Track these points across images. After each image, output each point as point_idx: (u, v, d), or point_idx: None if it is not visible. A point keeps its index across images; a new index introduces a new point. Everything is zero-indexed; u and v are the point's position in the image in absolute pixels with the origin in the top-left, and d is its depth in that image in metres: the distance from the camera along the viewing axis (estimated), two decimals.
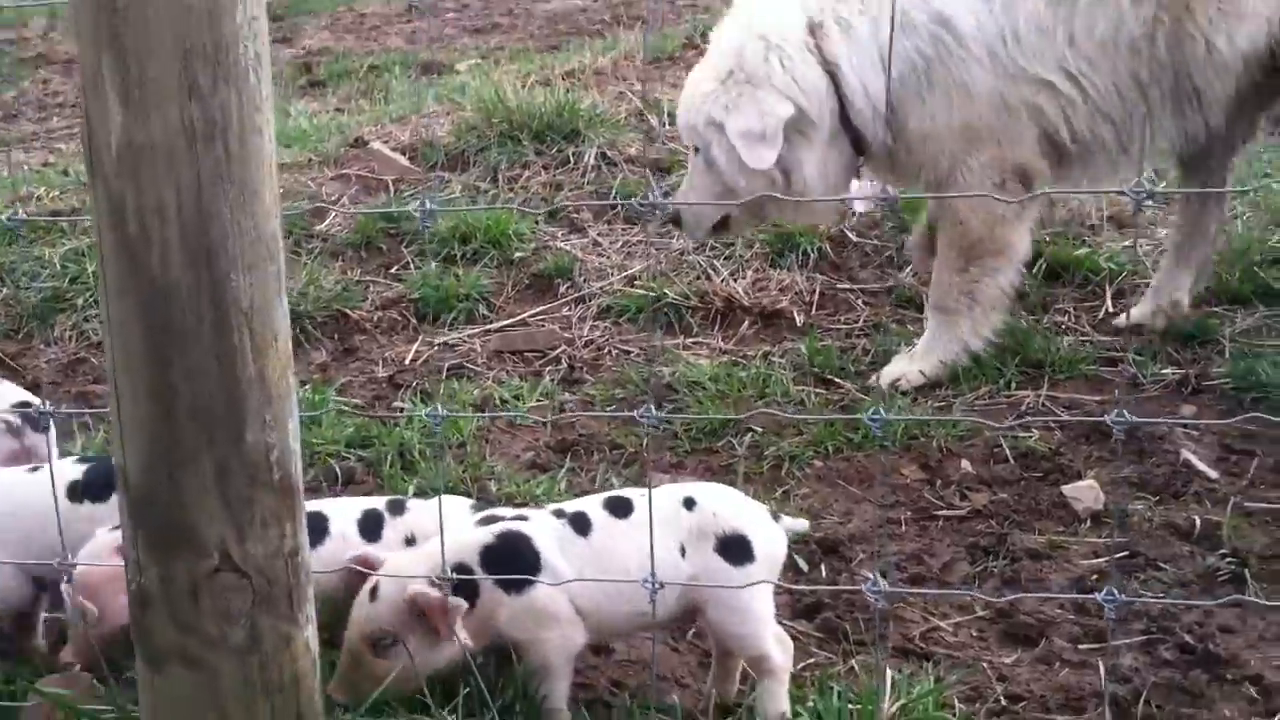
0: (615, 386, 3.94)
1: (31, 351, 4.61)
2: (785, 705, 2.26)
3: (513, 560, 2.25)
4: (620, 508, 2.34)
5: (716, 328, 4.32)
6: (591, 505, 2.37)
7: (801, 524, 2.49)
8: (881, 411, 2.02)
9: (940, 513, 3.12)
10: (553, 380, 4.02)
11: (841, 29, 3.61)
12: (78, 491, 2.65)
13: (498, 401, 3.86)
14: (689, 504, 2.31)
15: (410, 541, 2.53)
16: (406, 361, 4.24)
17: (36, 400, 3.19)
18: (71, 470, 2.71)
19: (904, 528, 3.06)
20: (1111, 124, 3.65)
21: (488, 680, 2.17)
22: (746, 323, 4.32)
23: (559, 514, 2.36)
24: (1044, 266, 4.45)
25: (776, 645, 2.31)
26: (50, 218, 5.60)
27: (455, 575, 2.21)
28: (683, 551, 2.28)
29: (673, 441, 3.55)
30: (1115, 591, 1.87)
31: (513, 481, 3.28)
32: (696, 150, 3.78)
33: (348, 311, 4.54)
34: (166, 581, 1.86)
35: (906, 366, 3.81)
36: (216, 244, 1.78)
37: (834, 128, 3.66)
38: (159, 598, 1.87)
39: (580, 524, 2.32)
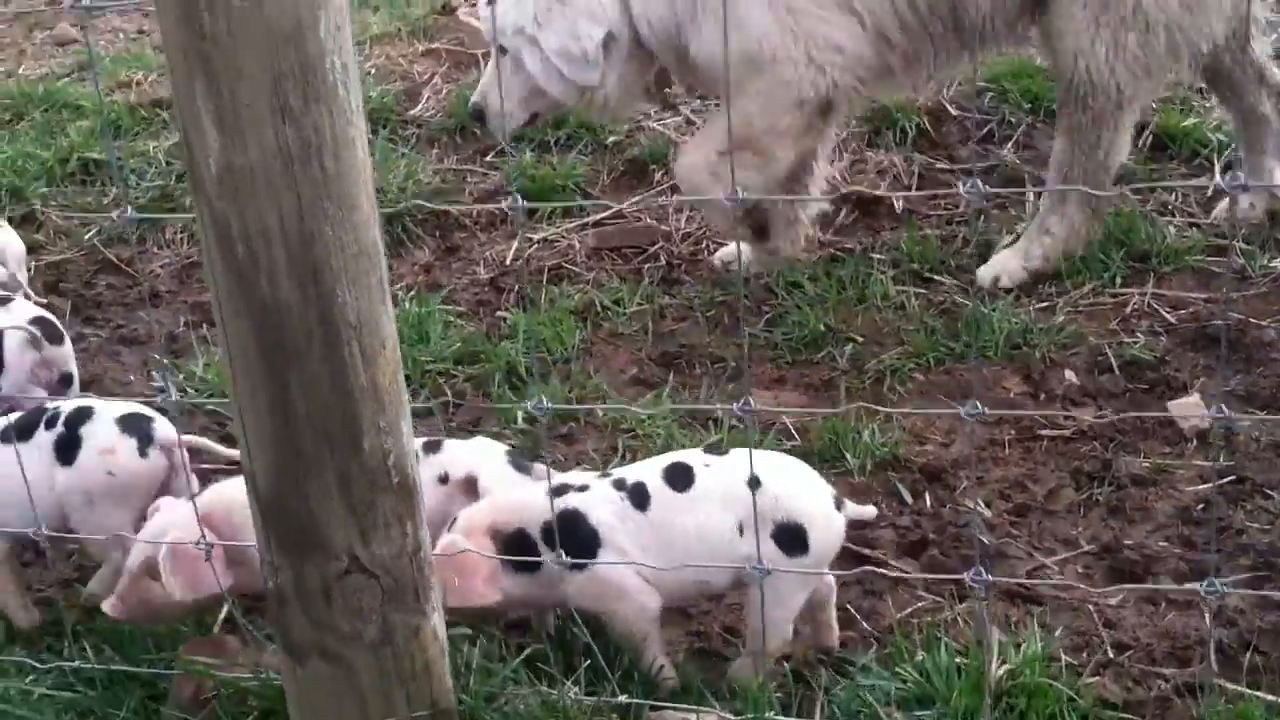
0: (714, 288, 3.93)
1: (145, 255, 4.72)
2: (758, 678, 2.29)
3: (571, 538, 2.26)
4: (681, 478, 2.35)
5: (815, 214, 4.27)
6: (651, 475, 2.37)
7: (868, 511, 2.47)
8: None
9: (1044, 432, 3.11)
10: (651, 281, 4.03)
11: None
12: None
13: (599, 308, 3.89)
14: (754, 484, 2.22)
15: (444, 480, 2.57)
16: (507, 261, 4.27)
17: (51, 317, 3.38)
18: None
19: (1007, 450, 3.06)
20: (893, 49, 3.67)
21: (604, 650, 2.25)
22: (844, 211, 4.26)
23: (619, 485, 2.36)
24: (1149, 138, 4.31)
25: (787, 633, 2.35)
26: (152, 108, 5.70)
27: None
28: (740, 531, 2.29)
29: (773, 353, 3.56)
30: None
31: (618, 406, 3.32)
32: (504, 50, 3.81)
33: (447, 207, 4.57)
34: (300, 582, 1.95)
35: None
36: (321, 262, 1.81)
37: (630, 47, 3.79)
38: (294, 597, 1.96)
39: (639, 497, 2.34)
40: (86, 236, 4.78)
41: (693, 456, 2.42)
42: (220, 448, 2.90)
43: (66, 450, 2.71)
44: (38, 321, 3.32)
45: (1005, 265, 3.76)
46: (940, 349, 3.42)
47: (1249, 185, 2.15)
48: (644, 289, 3.96)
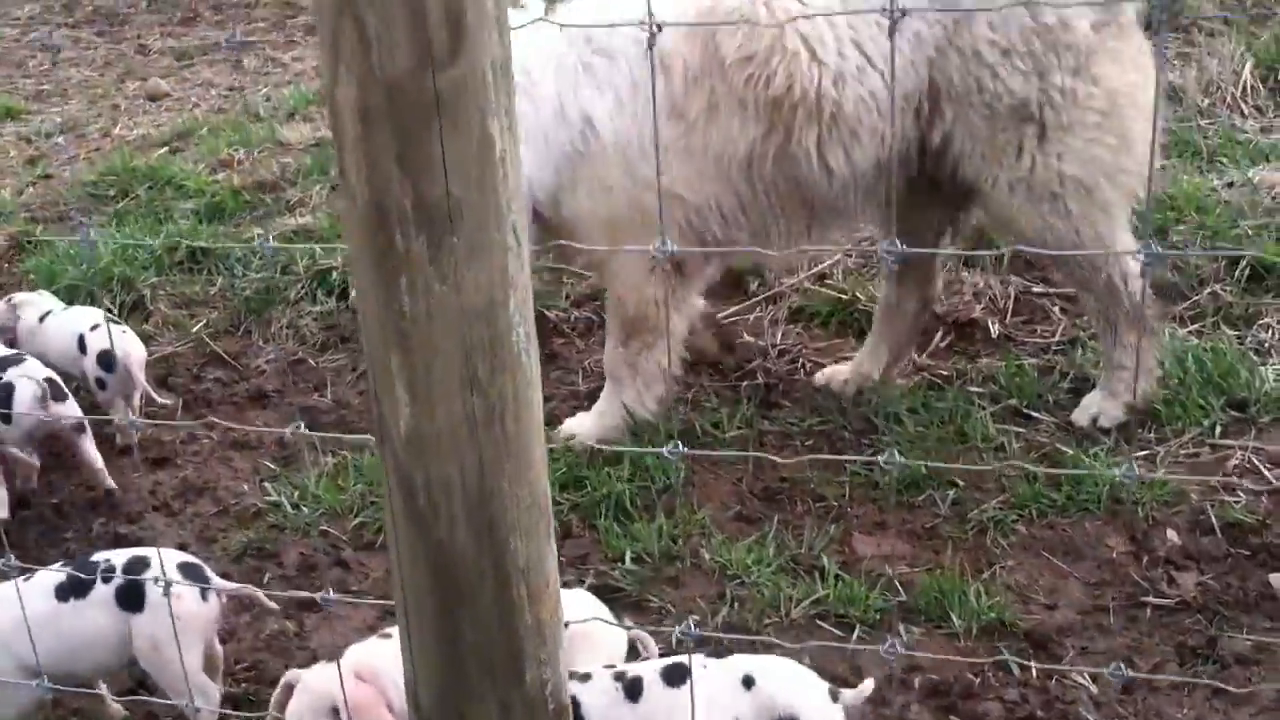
0: (812, 414, 4.02)
1: (251, 350, 4.87)
2: None
3: None
4: (678, 677, 2.45)
5: None
6: (650, 671, 2.49)
7: (866, 688, 2.49)
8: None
9: (1148, 599, 3.17)
10: (750, 401, 4.12)
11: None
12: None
13: (699, 432, 3.98)
14: (748, 683, 2.37)
15: None
16: None
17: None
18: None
19: (1111, 618, 3.13)
20: (741, 227, 3.81)
21: None
22: (940, 333, 4.34)
23: (618, 677, 2.49)
24: (1246, 270, 4.35)
25: None
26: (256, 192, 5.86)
27: None
28: None
29: (874, 493, 3.64)
30: None
31: (724, 548, 3.42)
32: None
33: (545, 311, 4.68)
34: None
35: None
36: (497, 515, 1.92)
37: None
38: None
39: (633, 690, 2.46)
40: (195, 329, 4.94)
41: (696, 659, 2.50)
42: (268, 601, 3.07)
43: (131, 599, 2.93)
44: (48, 380, 3.90)
45: (1100, 405, 3.82)
46: (1042, 501, 3.49)
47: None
48: (742, 412, 4.06)
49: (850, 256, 4.62)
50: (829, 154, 3.66)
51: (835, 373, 4.16)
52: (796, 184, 3.74)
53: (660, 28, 2.19)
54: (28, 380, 3.89)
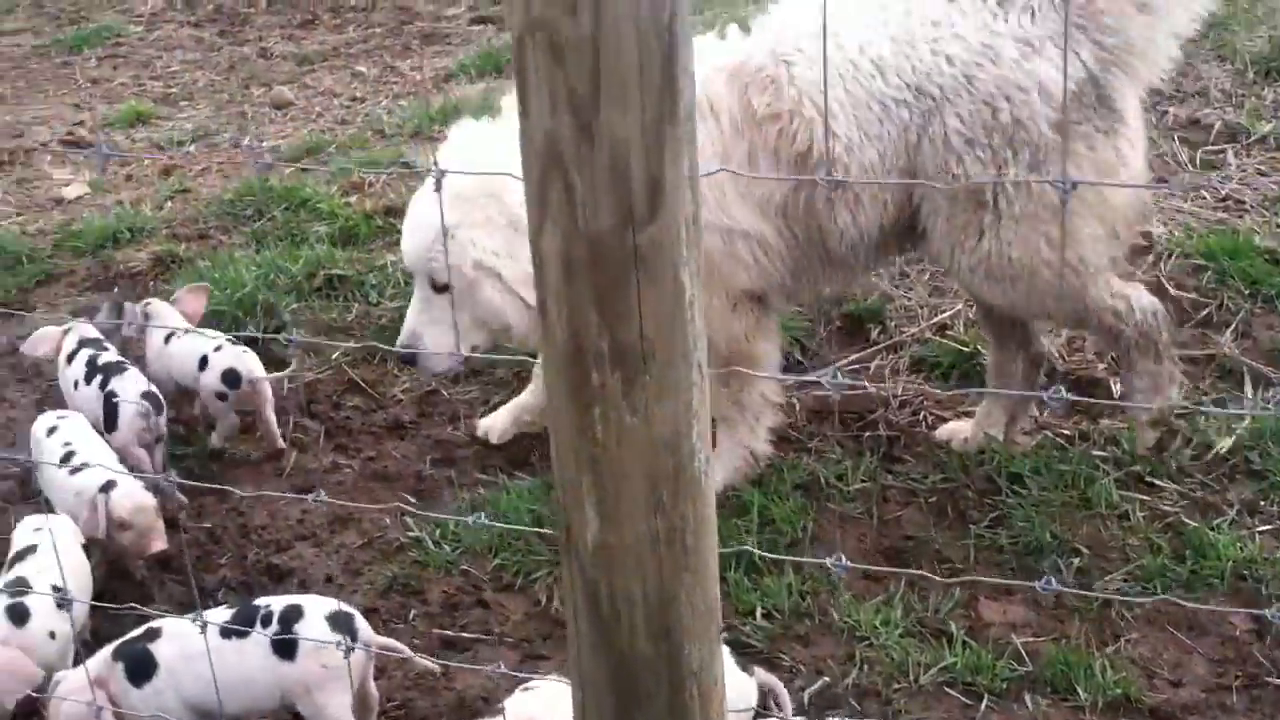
0: (936, 470, 4.11)
1: (388, 379, 5.07)
2: None
3: None
4: None
5: None
6: None
7: None
8: None
9: (1271, 679, 3.23)
10: (873, 454, 4.22)
11: None
12: None
13: (823, 484, 4.10)
14: None
15: None
16: None
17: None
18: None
19: (1235, 697, 3.20)
20: (787, 266, 4.03)
21: None
22: (1062, 390, 4.38)
23: None
24: None
25: None
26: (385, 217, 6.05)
27: None
28: None
29: (998, 557, 3.73)
30: None
31: (852, 607, 3.53)
32: (438, 287, 3.95)
33: None
34: None
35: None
36: (674, 624, 2.06)
37: None
38: None
39: None
40: (334, 356, 5.14)
41: None
42: (410, 651, 3.28)
43: (284, 647, 3.13)
44: (147, 394, 4.36)
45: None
46: (1167, 575, 3.56)
47: None
48: (866, 465, 4.16)
49: (971, 307, 4.69)
50: (839, 214, 3.90)
51: (956, 429, 4.25)
52: (821, 233, 3.96)
53: None
54: (129, 393, 4.34)
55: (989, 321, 4.27)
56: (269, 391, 4.65)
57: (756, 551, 2.77)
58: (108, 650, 3.23)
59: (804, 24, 3.86)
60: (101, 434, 4.31)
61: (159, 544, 3.90)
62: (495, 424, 4.70)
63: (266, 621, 3.18)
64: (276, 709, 3.24)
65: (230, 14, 11.11)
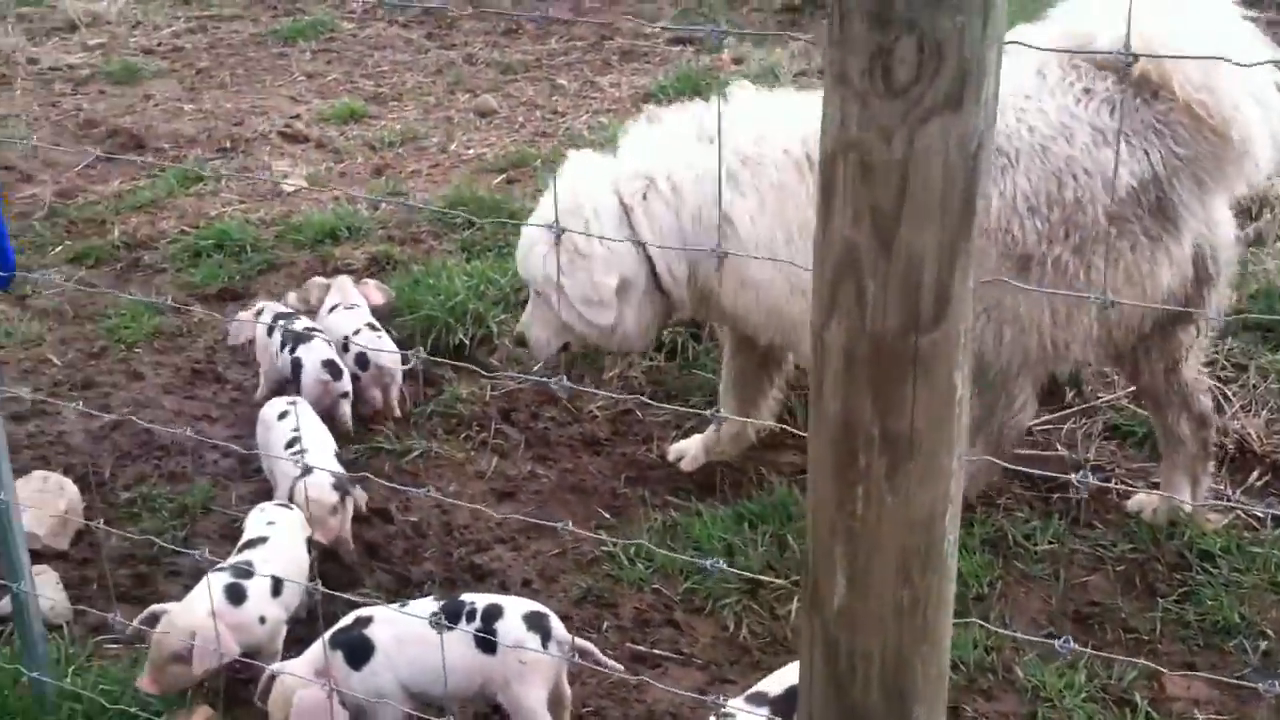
0: (1124, 540, 4.19)
1: (585, 395, 5.31)
2: None
3: None
4: None
5: (1223, 469, 4.45)
6: None
7: None
8: None
9: None
10: (1061, 517, 4.31)
11: (648, 215, 4.26)
12: None
13: (1010, 541, 4.20)
14: None
15: None
16: None
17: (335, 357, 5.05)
18: None
19: None
20: None
21: None
22: (1256, 472, 4.43)
23: None
24: None
25: None
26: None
27: None
28: None
29: (1184, 632, 3.80)
30: None
31: (1036, 668, 3.64)
32: (537, 292, 4.51)
33: None
34: None
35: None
36: (907, 687, 2.22)
37: (648, 288, 4.36)
38: None
39: None
40: (535, 367, 5.40)
41: None
42: (605, 658, 3.46)
43: (486, 642, 3.36)
44: (328, 362, 4.97)
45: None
46: None
47: None
48: (1054, 527, 4.25)
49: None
50: None
51: (1147, 501, 4.31)
52: None
53: None
54: (312, 360, 4.98)
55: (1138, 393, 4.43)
56: (398, 377, 5.17)
57: (980, 623, 2.89)
58: (322, 641, 3.46)
59: None
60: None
61: (324, 537, 4.14)
62: (687, 450, 4.91)
63: (471, 617, 3.42)
64: (478, 697, 3.47)
65: (438, 17, 11.56)
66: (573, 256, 4.28)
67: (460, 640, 3.37)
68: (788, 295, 4.18)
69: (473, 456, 5.00)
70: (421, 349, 3.00)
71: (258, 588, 3.71)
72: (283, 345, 5.12)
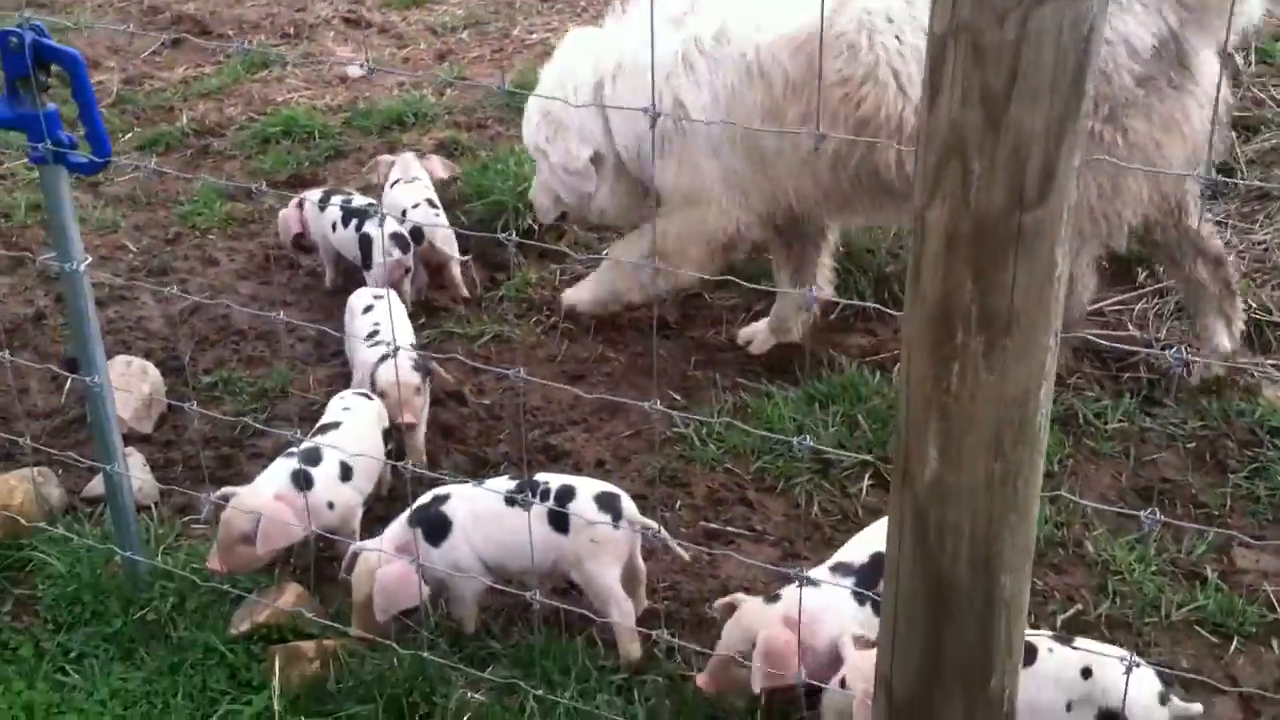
0: (1196, 417, 4.21)
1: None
2: None
3: None
4: (1027, 656, 2.78)
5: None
6: None
7: (1195, 709, 2.85)
8: None
9: None
10: (1132, 396, 4.34)
11: (614, 93, 4.55)
12: None
13: (1081, 420, 4.24)
14: (1085, 673, 2.81)
15: None
16: None
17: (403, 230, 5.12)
18: None
19: None
20: (823, 207, 4.53)
21: None
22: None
23: None
24: None
25: None
26: None
27: None
28: (1068, 707, 2.84)
29: (1254, 506, 3.84)
30: None
31: (1105, 542, 3.71)
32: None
33: None
34: None
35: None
36: (994, 557, 2.29)
37: (617, 166, 4.75)
38: None
39: None
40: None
41: (1042, 642, 2.92)
42: (676, 546, 3.54)
43: (559, 520, 3.44)
44: (395, 235, 5.06)
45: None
46: None
47: None
48: (1125, 406, 4.28)
49: (1244, 259, 4.72)
50: (906, 163, 4.20)
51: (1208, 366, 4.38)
52: (877, 177, 4.33)
53: None
54: (379, 235, 5.05)
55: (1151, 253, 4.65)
56: (453, 253, 5.24)
57: (1064, 495, 2.94)
58: (401, 519, 3.57)
59: None
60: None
61: (408, 416, 4.20)
62: (756, 334, 4.97)
63: (545, 497, 3.50)
64: (553, 573, 3.57)
65: None
66: (555, 128, 4.72)
67: (534, 519, 3.45)
68: (720, 186, 4.52)
69: (543, 340, 5.07)
70: (514, 233, 3.02)
71: (325, 472, 3.78)
72: (346, 222, 5.18)
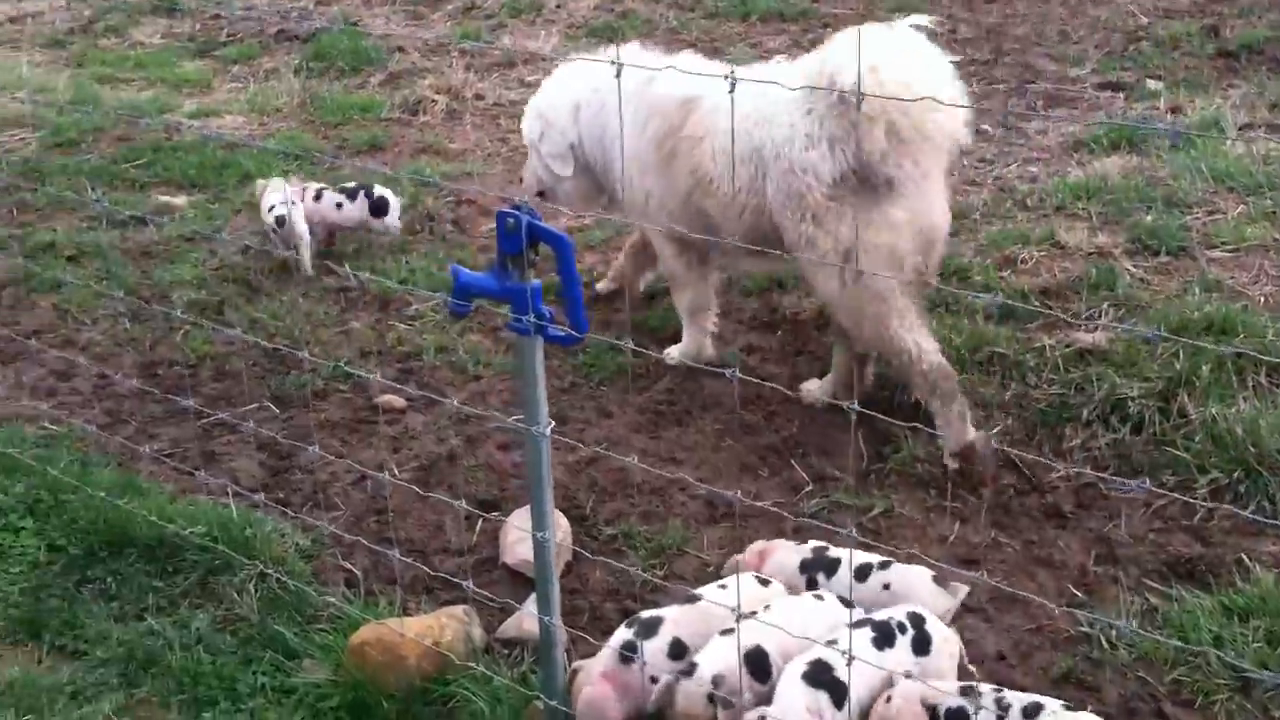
0: None
1: (1041, 464, 5.26)
2: None
3: None
4: None
5: None
6: None
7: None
8: None
9: None
10: None
11: (583, 114, 6.24)
12: None
13: None
14: None
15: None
16: None
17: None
18: None
19: None
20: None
21: None
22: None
23: None
24: None
25: None
26: None
27: None
28: None
29: None
30: None
31: None
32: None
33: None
34: None
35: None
36: None
37: (580, 167, 6.37)
38: None
39: None
40: (994, 431, 5.42)
41: None
42: None
43: None
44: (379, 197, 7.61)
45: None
46: None
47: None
48: None
49: None
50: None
51: None
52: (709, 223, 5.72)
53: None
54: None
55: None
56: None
57: None
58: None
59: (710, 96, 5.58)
60: None
61: None
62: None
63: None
64: None
65: None
66: (545, 126, 6.35)
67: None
68: (657, 205, 5.91)
69: (932, 519, 5.06)
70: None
71: (654, 647, 3.91)
72: (352, 195, 7.65)
